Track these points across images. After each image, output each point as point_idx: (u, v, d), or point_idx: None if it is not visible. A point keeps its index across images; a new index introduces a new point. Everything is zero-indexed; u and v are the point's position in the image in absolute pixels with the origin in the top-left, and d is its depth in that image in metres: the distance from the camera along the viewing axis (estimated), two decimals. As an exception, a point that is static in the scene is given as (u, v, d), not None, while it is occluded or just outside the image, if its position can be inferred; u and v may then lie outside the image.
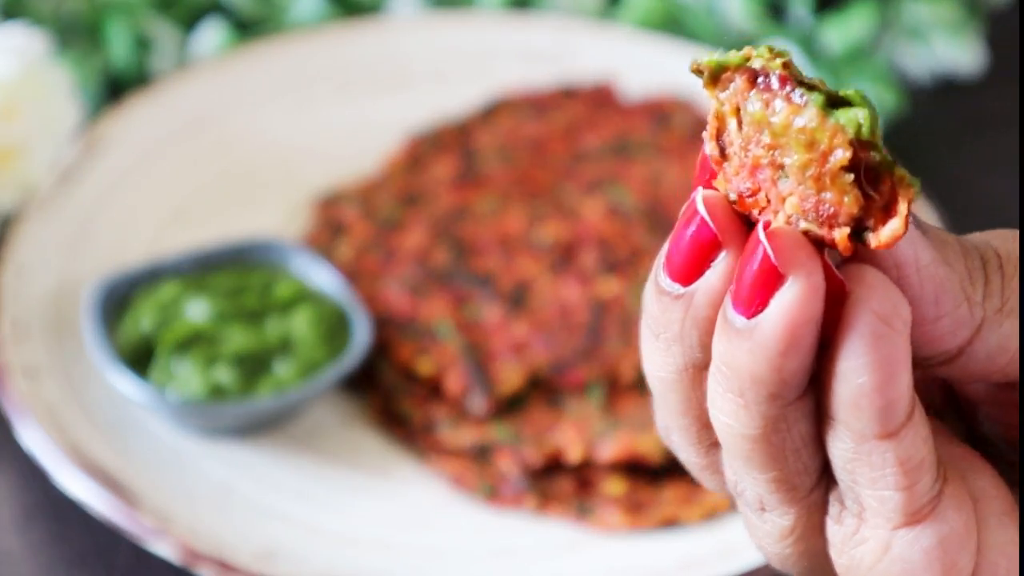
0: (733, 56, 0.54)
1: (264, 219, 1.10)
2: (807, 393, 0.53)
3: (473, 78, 1.18)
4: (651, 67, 1.18)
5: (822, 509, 0.56)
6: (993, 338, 0.54)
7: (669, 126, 1.13)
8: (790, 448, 0.54)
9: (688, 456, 0.58)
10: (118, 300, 0.99)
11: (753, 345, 0.51)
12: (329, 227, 1.08)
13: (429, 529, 0.93)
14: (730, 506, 0.91)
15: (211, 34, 1.20)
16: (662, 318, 0.55)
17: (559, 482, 0.94)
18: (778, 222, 0.53)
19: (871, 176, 0.52)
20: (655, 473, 0.94)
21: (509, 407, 0.97)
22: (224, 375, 0.94)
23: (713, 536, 0.91)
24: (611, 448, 0.93)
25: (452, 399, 0.98)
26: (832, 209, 0.52)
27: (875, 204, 0.52)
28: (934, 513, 0.54)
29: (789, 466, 0.55)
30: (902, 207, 0.52)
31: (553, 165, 1.12)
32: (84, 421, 0.95)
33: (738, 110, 0.54)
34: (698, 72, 0.55)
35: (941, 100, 1.22)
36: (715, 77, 0.55)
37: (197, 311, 0.97)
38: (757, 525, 0.58)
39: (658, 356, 0.56)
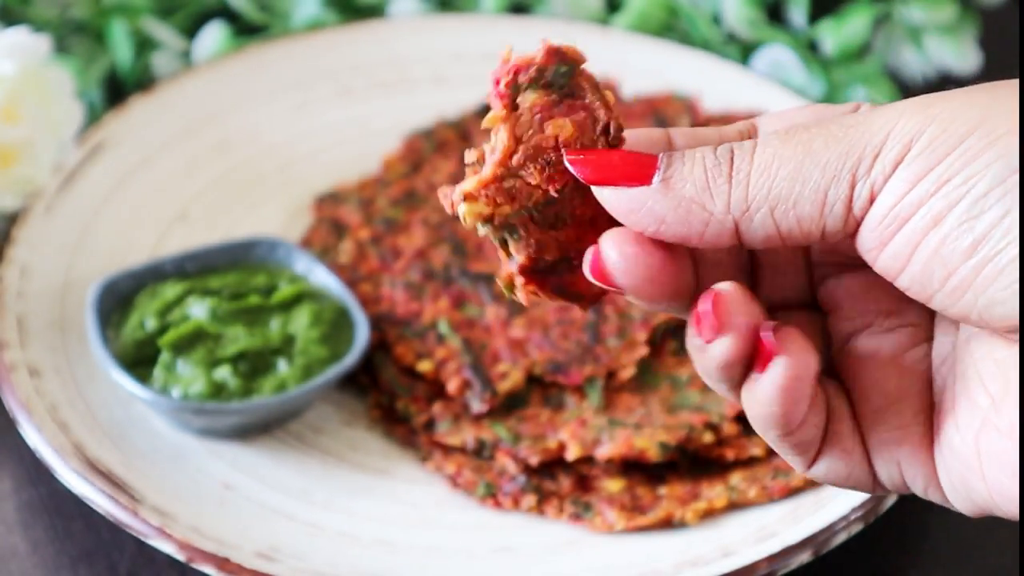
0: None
1: (265, 219, 1.10)
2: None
3: (473, 80, 1.18)
4: (650, 70, 1.18)
5: None
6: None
7: (669, 127, 1.14)
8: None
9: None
10: (120, 300, 0.99)
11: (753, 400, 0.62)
12: (329, 227, 1.09)
13: (429, 528, 0.93)
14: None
15: (213, 38, 1.21)
16: (699, 360, 0.64)
17: (558, 481, 0.94)
18: None
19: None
20: (654, 472, 0.95)
21: (508, 406, 0.98)
22: (225, 374, 0.95)
23: (712, 535, 0.91)
24: (610, 447, 0.93)
25: (452, 399, 0.98)
26: None
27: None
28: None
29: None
30: None
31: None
32: (87, 420, 0.96)
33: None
34: None
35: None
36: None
37: (199, 311, 0.97)
38: None
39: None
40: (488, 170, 0.61)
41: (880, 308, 0.63)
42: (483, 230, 0.63)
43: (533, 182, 0.62)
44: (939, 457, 0.62)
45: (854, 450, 0.63)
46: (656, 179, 0.60)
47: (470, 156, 0.62)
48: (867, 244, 0.58)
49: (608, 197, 0.61)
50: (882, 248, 0.58)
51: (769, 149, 0.59)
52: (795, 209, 0.58)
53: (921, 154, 0.56)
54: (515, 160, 0.62)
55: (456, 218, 1.09)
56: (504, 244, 0.63)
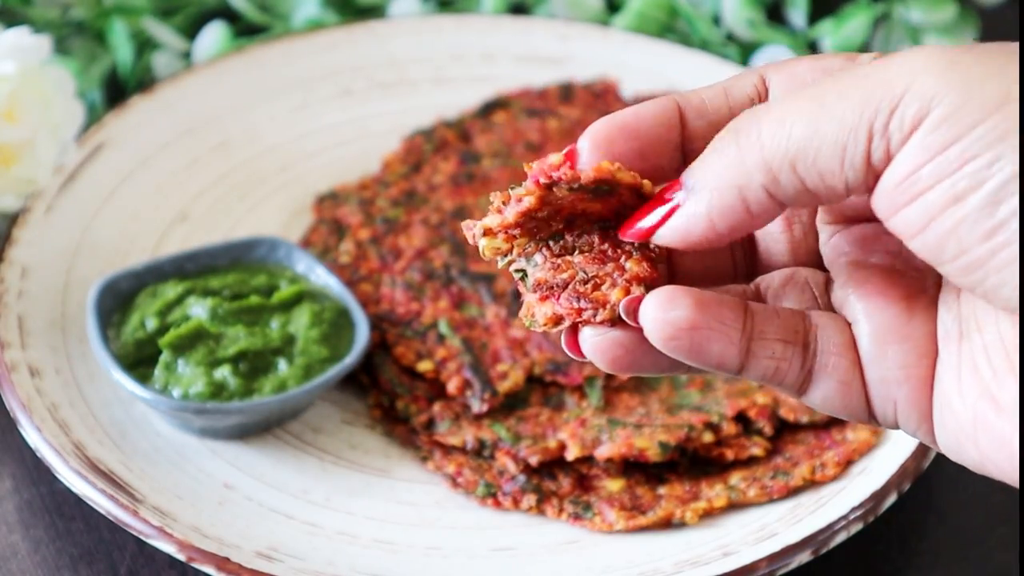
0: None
1: (265, 219, 1.10)
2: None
3: (473, 80, 1.19)
4: (650, 70, 1.18)
5: None
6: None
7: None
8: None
9: None
10: (121, 300, 0.99)
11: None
12: (329, 227, 1.09)
13: (429, 528, 0.93)
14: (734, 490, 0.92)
15: (213, 38, 1.21)
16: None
17: (558, 481, 0.94)
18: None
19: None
20: (654, 472, 0.95)
21: (508, 406, 0.98)
22: (226, 374, 0.95)
23: (712, 535, 0.91)
24: (610, 447, 0.93)
25: (452, 399, 0.98)
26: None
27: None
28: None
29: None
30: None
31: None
32: (87, 420, 0.96)
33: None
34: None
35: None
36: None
37: (199, 311, 0.97)
38: None
39: None
40: (511, 216, 0.64)
41: (889, 250, 0.64)
42: (502, 263, 0.65)
43: (556, 227, 0.65)
44: (937, 410, 0.62)
45: (852, 383, 0.63)
46: (681, 195, 0.61)
47: (495, 198, 0.63)
48: (881, 205, 0.58)
49: (664, 237, 0.62)
50: (896, 212, 0.57)
51: (778, 109, 0.59)
52: (816, 164, 0.58)
53: (944, 123, 0.55)
54: (538, 215, 0.64)
55: (456, 218, 1.10)
56: (522, 277, 0.65)
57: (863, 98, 0.57)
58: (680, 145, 0.64)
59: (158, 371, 0.95)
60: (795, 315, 0.64)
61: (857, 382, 0.63)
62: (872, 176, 0.57)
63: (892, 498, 0.91)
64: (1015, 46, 0.57)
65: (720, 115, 0.64)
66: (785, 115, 0.58)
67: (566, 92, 1.17)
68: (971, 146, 0.55)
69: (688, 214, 0.61)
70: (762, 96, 0.65)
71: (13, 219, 1.05)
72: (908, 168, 0.56)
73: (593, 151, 0.63)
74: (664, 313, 0.61)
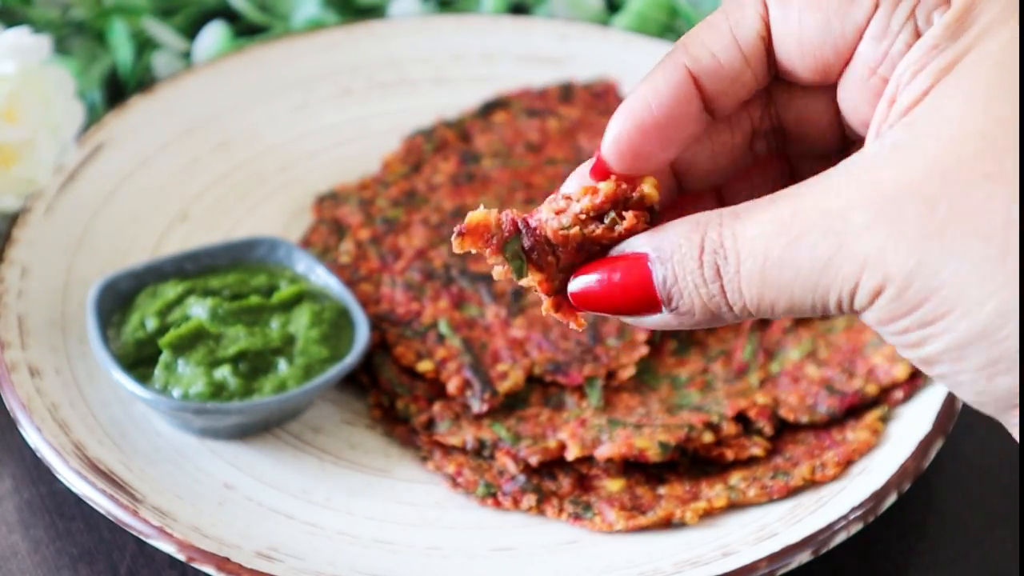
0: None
1: (265, 219, 1.10)
2: None
3: (472, 80, 1.19)
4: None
5: None
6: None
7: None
8: None
9: None
10: (121, 300, 0.99)
11: None
12: (329, 227, 1.09)
13: (429, 528, 0.93)
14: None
15: (213, 38, 1.21)
16: None
17: (558, 481, 0.94)
18: None
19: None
20: (654, 472, 0.95)
21: (509, 406, 0.98)
22: (226, 374, 0.95)
23: (712, 535, 0.91)
24: (610, 447, 0.93)
25: (452, 399, 0.98)
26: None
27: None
28: None
29: None
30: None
31: (552, 166, 1.13)
32: (87, 420, 0.96)
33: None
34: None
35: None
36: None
37: (199, 311, 0.97)
38: None
39: None
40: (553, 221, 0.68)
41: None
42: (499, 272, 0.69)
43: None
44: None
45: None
46: (666, 311, 0.67)
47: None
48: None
49: (634, 322, 0.68)
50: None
51: (755, 289, 0.65)
52: (794, 308, 0.65)
53: (888, 304, 0.63)
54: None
55: (456, 218, 1.10)
56: (535, 266, 0.68)
57: (826, 285, 0.64)
58: (703, 108, 0.68)
59: (158, 371, 0.95)
60: None
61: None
62: (845, 312, 0.65)
63: (892, 498, 0.91)
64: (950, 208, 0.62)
65: (735, 68, 0.67)
66: (760, 279, 0.64)
67: (566, 92, 1.17)
68: (909, 324, 0.63)
69: (668, 322, 0.67)
70: (768, 28, 0.67)
71: (13, 219, 1.05)
72: (871, 321, 0.65)
73: (620, 161, 0.67)
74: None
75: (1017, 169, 0.60)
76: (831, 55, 0.67)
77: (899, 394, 0.97)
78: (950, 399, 0.95)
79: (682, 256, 0.65)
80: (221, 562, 0.88)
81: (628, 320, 0.68)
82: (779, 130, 0.72)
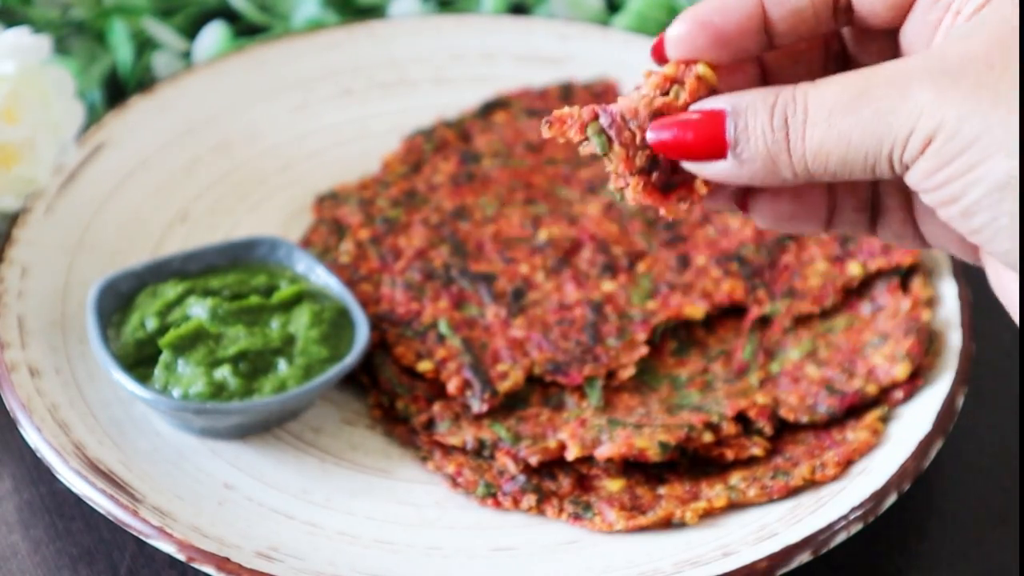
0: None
1: (265, 219, 1.10)
2: None
3: (472, 80, 1.19)
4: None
5: None
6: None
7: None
8: None
9: None
10: (121, 300, 0.99)
11: None
12: (329, 227, 1.09)
13: (429, 528, 0.93)
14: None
15: (213, 38, 1.21)
16: None
17: (558, 481, 0.94)
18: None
19: None
20: (654, 472, 0.95)
21: (508, 406, 0.98)
22: (226, 374, 0.95)
23: (712, 535, 0.91)
24: (610, 447, 0.93)
25: (452, 399, 0.98)
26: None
27: None
28: None
29: None
30: None
31: (552, 166, 1.13)
32: (87, 420, 0.96)
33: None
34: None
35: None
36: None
37: (199, 311, 0.97)
38: None
39: None
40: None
41: None
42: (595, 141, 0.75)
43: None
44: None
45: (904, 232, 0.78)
46: (730, 157, 0.72)
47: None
48: (912, 185, 0.70)
49: (697, 169, 0.73)
50: (923, 194, 0.70)
51: (818, 133, 0.70)
52: (847, 159, 0.70)
53: (937, 151, 0.68)
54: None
55: (456, 218, 1.10)
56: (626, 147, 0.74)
57: (880, 136, 0.69)
58: (763, 28, 0.74)
59: (158, 371, 0.95)
60: None
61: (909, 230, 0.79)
62: (897, 174, 0.70)
63: (892, 498, 0.91)
64: (998, 79, 0.67)
65: (801, 6, 0.74)
66: (821, 144, 0.70)
67: (566, 92, 1.17)
68: (953, 171, 0.68)
69: (729, 170, 0.72)
70: None
71: (13, 219, 1.05)
72: (916, 177, 0.69)
73: (678, 53, 0.74)
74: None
75: None
76: None
77: (899, 394, 0.97)
78: (950, 399, 0.95)
79: (755, 107, 0.71)
80: (221, 562, 0.88)
81: (694, 168, 0.73)
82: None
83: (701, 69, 0.74)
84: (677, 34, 0.74)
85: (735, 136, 0.71)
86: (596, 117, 0.75)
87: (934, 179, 0.68)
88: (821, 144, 0.70)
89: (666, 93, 0.75)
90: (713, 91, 0.74)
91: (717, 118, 0.72)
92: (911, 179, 0.69)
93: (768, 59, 0.78)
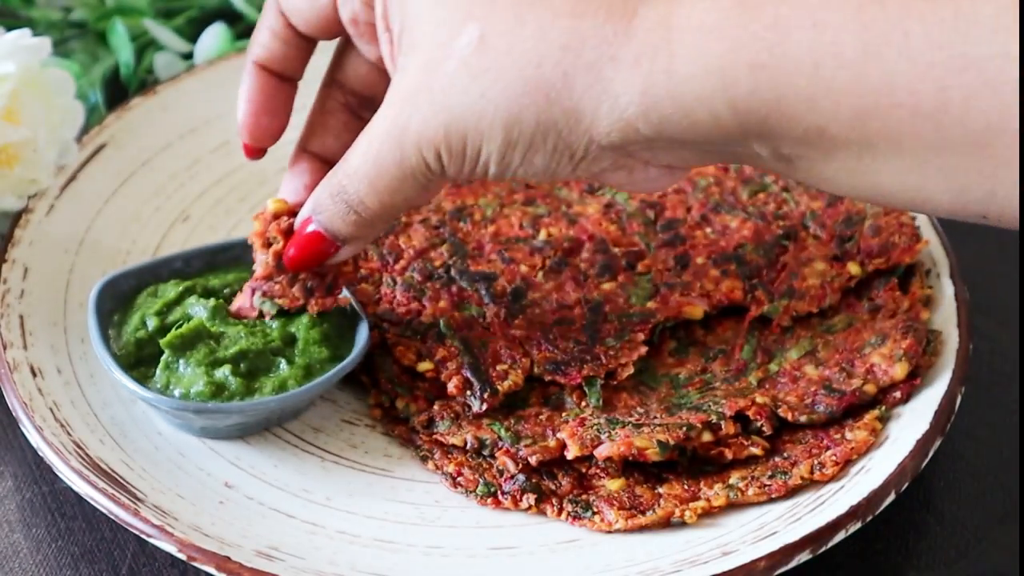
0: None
1: (266, 220, 1.10)
2: None
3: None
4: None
5: None
6: None
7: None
8: None
9: None
10: (122, 299, 0.99)
11: None
12: (330, 228, 1.09)
13: (429, 527, 0.93)
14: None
15: (214, 39, 1.21)
16: None
17: (558, 480, 0.94)
18: None
19: None
20: (653, 472, 0.95)
21: (508, 406, 0.98)
22: (226, 374, 0.95)
23: (711, 534, 0.91)
24: (610, 446, 0.93)
25: (452, 398, 0.98)
26: None
27: None
28: None
29: None
30: None
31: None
32: (88, 419, 0.96)
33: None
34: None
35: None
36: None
37: (199, 310, 0.97)
38: None
39: None
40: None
41: None
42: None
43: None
44: None
45: None
46: (343, 244, 0.92)
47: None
48: None
49: (334, 260, 0.94)
50: None
51: (363, 189, 0.89)
52: (391, 177, 0.88)
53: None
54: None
55: (456, 218, 1.10)
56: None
57: (401, 138, 0.87)
58: (281, 81, 0.97)
59: (158, 371, 0.95)
60: None
61: None
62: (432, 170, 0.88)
63: (891, 498, 0.91)
64: None
65: (277, 48, 0.95)
66: (364, 168, 0.88)
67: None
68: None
69: (351, 250, 0.93)
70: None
71: (15, 219, 1.05)
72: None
73: (253, 138, 0.97)
74: None
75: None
76: (318, 15, 0.92)
77: (897, 394, 0.97)
78: (948, 398, 0.96)
79: (323, 204, 0.90)
80: (222, 561, 0.88)
81: (333, 261, 0.93)
82: (354, 91, 0.97)
83: (271, 206, 0.95)
84: (240, 125, 0.97)
85: (330, 232, 0.91)
86: (256, 293, 0.96)
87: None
88: (371, 185, 0.88)
89: (272, 241, 0.94)
90: (291, 211, 0.95)
91: (314, 234, 0.92)
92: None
93: (315, 148, 0.97)
